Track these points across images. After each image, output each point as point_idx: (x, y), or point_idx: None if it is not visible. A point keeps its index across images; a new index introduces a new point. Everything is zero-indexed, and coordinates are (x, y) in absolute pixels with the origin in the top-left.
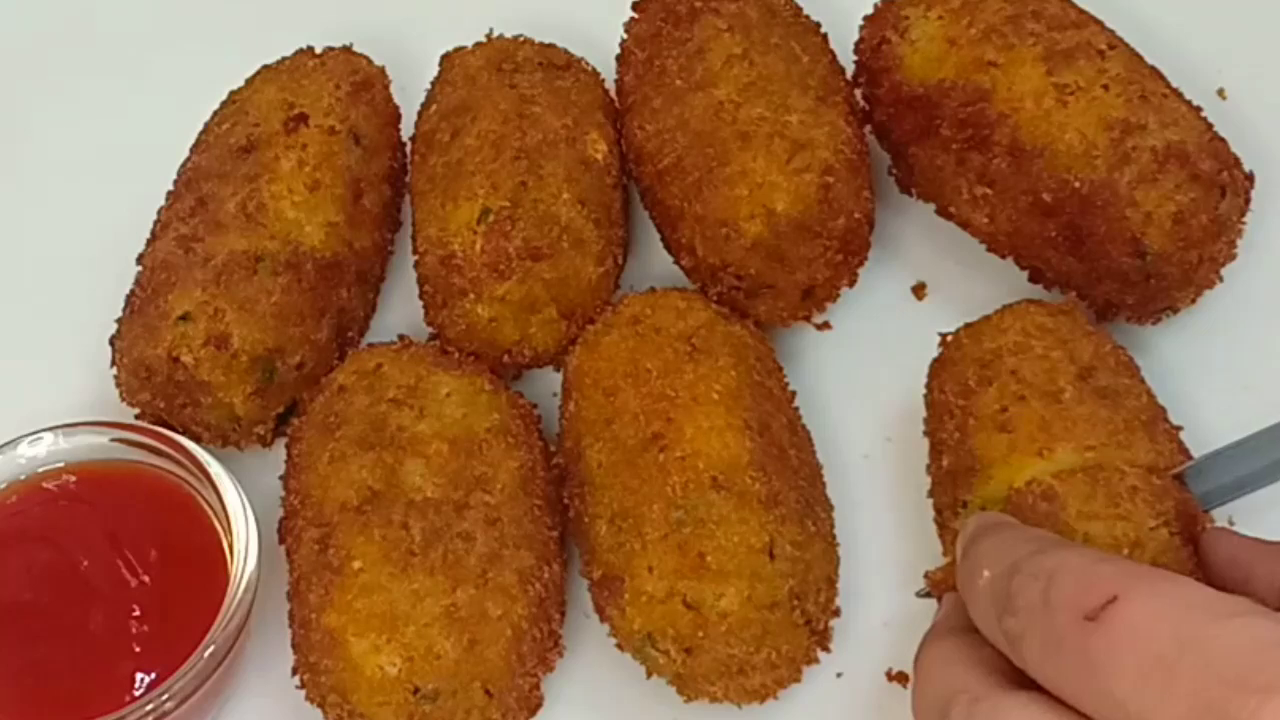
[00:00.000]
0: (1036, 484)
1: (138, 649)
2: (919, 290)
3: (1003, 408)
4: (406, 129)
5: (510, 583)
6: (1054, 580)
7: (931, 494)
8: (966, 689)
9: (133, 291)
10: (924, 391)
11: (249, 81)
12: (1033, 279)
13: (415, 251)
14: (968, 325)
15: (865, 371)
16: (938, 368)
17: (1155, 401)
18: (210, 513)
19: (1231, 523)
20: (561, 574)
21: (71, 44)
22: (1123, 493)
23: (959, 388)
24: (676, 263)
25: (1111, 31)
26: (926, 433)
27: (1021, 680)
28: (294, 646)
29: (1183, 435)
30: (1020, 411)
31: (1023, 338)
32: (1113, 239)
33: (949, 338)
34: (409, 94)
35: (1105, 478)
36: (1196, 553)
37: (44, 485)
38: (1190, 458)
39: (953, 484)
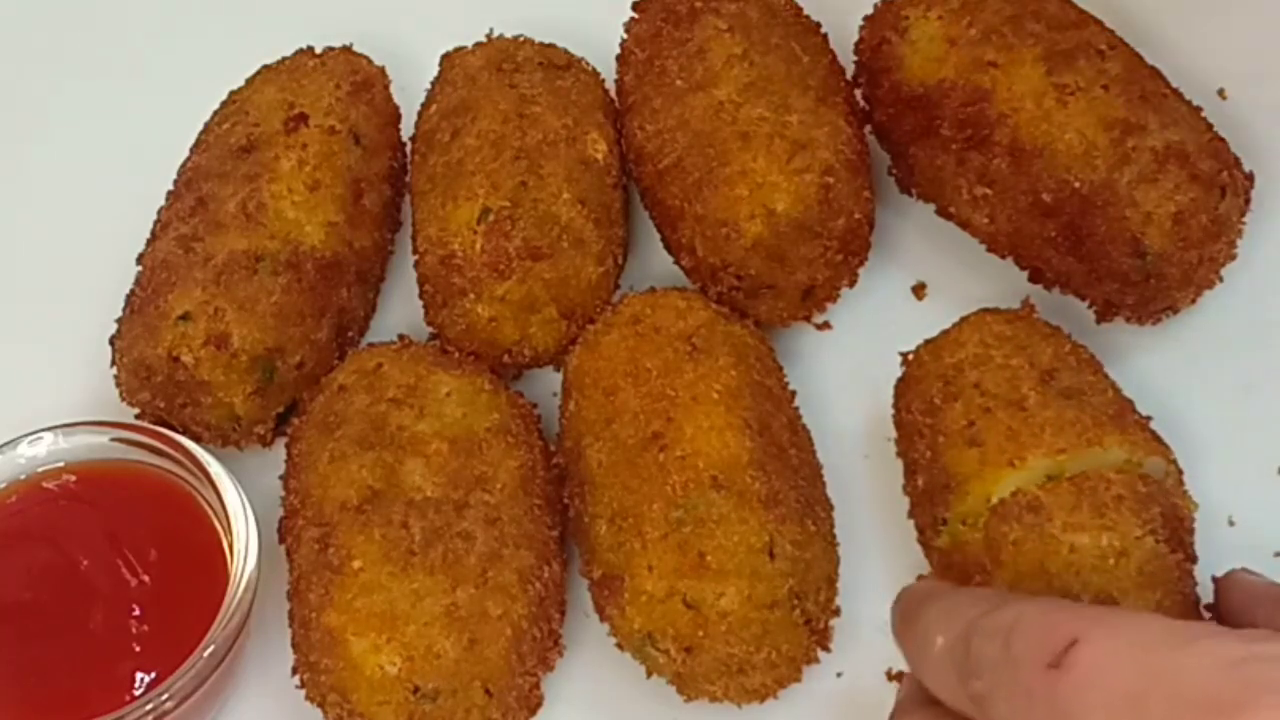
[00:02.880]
0: (1022, 495)
1: (138, 649)
2: (919, 290)
3: (970, 422)
4: (406, 129)
5: (510, 582)
6: (1013, 634)
7: (911, 515)
8: None
9: (133, 291)
10: (891, 413)
11: (249, 81)
12: (1033, 279)
13: (415, 251)
14: (928, 342)
15: (865, 371)
16: (902, 388)
17: (1121, 395)
18: (210, 513)
19: (1232, 523)
20: (561, 574)
21: (71, 44)
22: (1108, 502)
23: (925, 406)
24: (676, 263)
25: (1111, 31)
26: (899, 454)
27: None
28: (294, 646)
29: (1183, 434)
30: (987, 424)
31: (982, 349)
32: (1113, 239)
33: (910, 356)
34: (409, 94)
35: (1090, 487)
36: (1186, 559)
37: (44, 485)
38: (1164, 446)
39: (930, 503)
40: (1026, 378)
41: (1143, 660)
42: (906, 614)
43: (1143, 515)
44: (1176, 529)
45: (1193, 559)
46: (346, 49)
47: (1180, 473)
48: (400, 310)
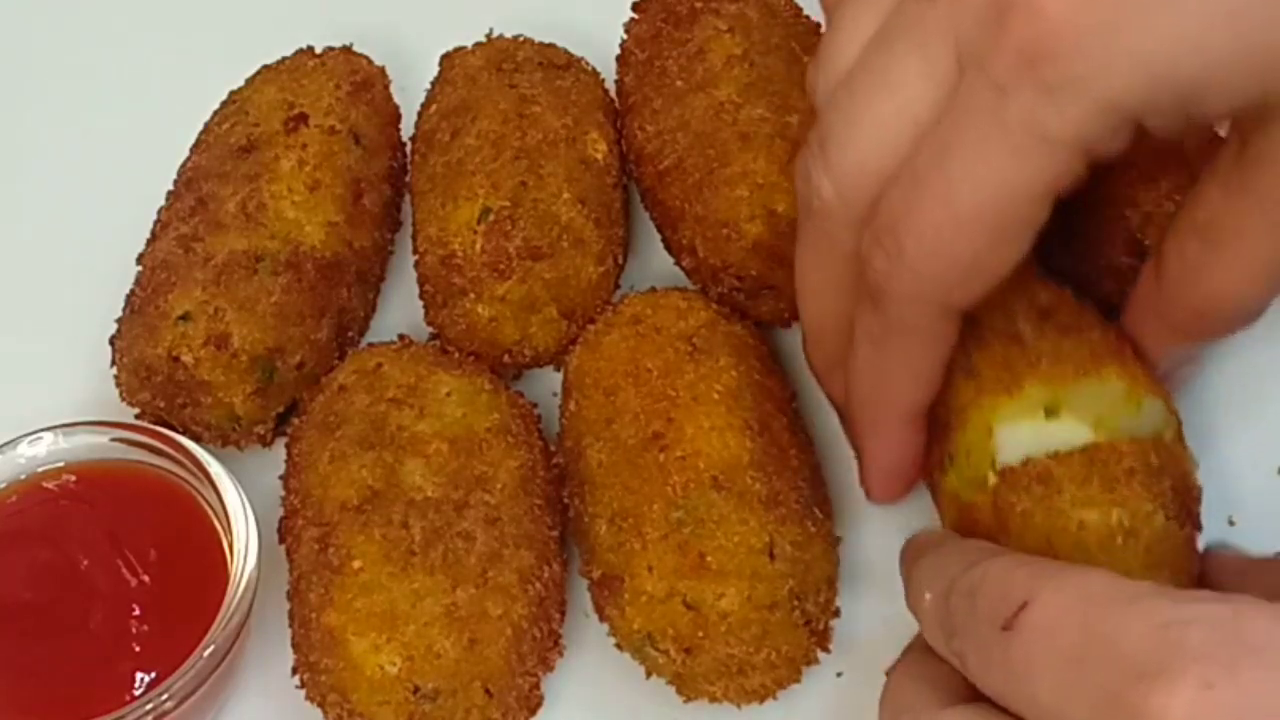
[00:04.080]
0: (1033, 465)
1: (138, 649)
2: None
3: (966, 355)
4: (406, 129)
5: (510, 582)
6: (977, 595)
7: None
8: (910, 708)
9: (133, 291)
10: None
11: (249, 81)
12: None
13: (415, 251)
14: None
15: None
16: None
17: (1122, 334)
18: (210, 513)
19: (1232, 523)
20: (561, 574)
21: (71, 44)
22: (1119, 475)
23: None
24: (677, 263)
25: None
26: None
27: (976, 697)
28: (294, 646)
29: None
30: (983, 356)
31: None
32: (1112, 239)
33: None
34: (409, 94)
35: (1102, 459)
36: (1194, 529)
37: (44, 485)
38: (1164, 388)
39: (934, 444)
40: (1024, 314)
41: (1085, 621)
42: (909, 563)
43: (1154, 489)
44: (1185, 499)
45: (1199, 527)
46: (346, 49)
47: (1179, 422)
48: (400, 310)
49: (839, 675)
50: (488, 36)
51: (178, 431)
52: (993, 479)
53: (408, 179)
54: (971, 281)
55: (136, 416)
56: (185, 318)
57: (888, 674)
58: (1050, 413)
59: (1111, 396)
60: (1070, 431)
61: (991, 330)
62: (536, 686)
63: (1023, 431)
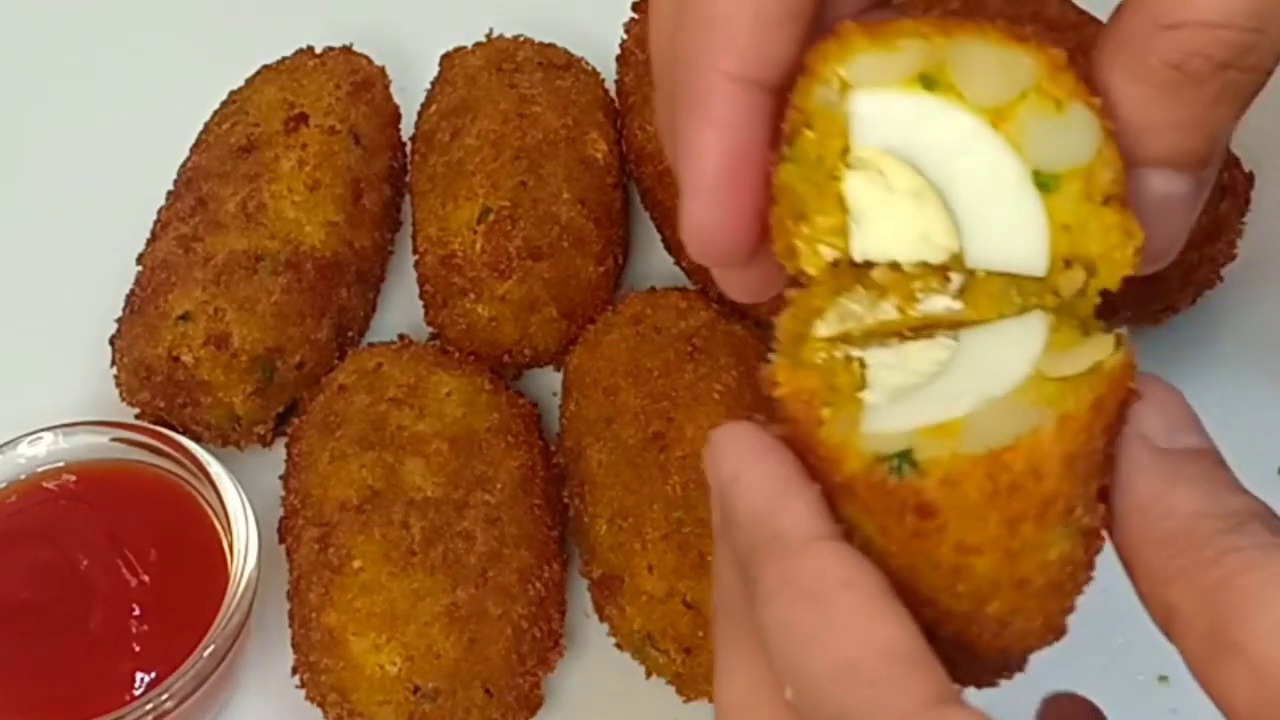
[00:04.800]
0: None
1: (138, 649)
2: None
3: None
4: (406, 129)
5: (510, 582)
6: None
7: None
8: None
9: (133, 291)
10: None
11: (249, 81)
12: None
13: (415, 251)
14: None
15: None
16: None
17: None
18: (210, 513)
19: None
20: (561, 573)
21: (71, 43)
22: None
23: None
24: (677, 263)
25: None
26: None
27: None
28: (294, 646)
29: None
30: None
31: None
32: None
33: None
34: (409, 94)
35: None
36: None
37: (44, 485)
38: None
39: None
40: None
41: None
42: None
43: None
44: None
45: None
46: (346, 49)
47: (1121, 164)
48: (400, 310)
49: None
50: (488, 36)
51: (178, 431)
52: (842, 170)
53: (408, 179)
54: None
55: (136, 416)
56: (185, 318)
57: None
58: (929, 82)
59: (1018, 77)
60: (954, 119)
61: None
62: (536, 686)
63: (889, 105)
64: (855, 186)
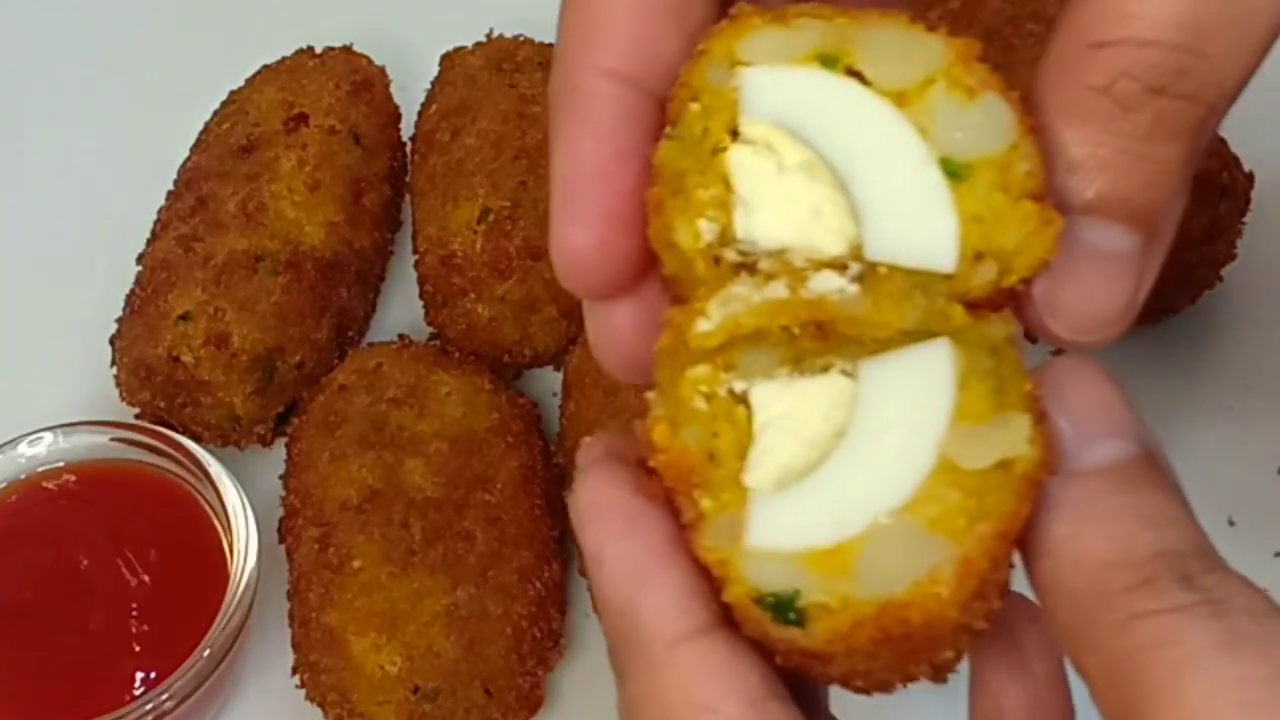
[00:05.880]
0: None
1: (138, 649)
2: None
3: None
4: (406, 129)
5: (510, 582)
6: None
7: None
8: None
9: (133, 291)
10: None
11: (249, 81)
12: None
13: (415, 251)
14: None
15: None
16: None
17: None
18: (210, 513)
19: (1232, 523)
20: (561, 573)
21: (71, 44)
22: None
23: None
24: None
25: None
26: None
27: None
28: (294, 646)
29: (1183, 434)
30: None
31: None
32: None
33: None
34: (409, 94)
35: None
36: None
37: (44, 485)
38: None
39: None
40: None
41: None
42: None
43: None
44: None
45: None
46: (346, 49)
47: (1039, 157)
48: (400, 310)
49: None
50: (488, 36)
51: (178, 431)
52: (728, 142)
53: (408, 179)
54: None
55: (136, 416)
56: (185, 318)
57: None
58: (828, 61)
59: (925, 61)
60: (852, 95)
61: None
62: (537, 685)
63: (782, 80)
64: (742, 161)
